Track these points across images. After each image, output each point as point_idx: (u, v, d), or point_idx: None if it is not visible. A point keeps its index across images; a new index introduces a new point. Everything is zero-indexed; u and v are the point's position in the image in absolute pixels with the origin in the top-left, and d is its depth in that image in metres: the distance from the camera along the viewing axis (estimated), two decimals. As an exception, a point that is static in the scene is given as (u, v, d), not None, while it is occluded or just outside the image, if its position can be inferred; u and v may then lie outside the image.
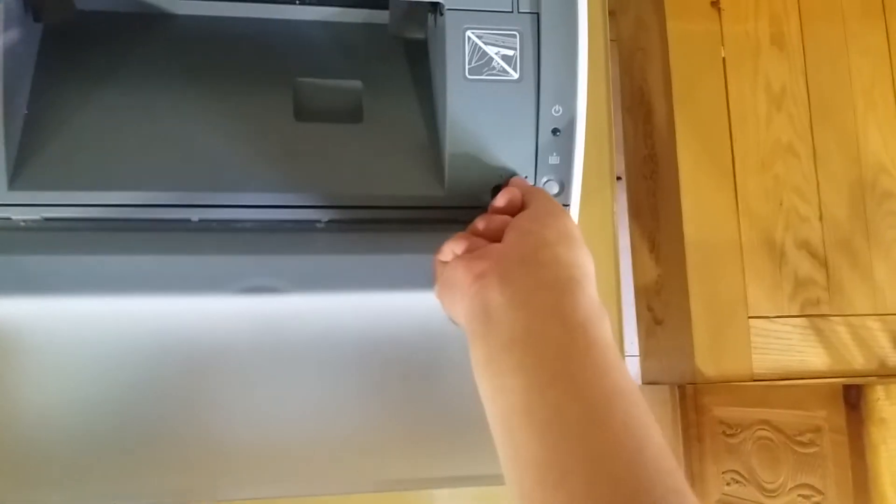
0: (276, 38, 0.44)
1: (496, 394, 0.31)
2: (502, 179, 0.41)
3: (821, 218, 1.13)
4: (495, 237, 0.36)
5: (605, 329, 0.32)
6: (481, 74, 0.40)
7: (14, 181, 0.37)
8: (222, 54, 0.43)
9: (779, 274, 1.09)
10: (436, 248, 0.38)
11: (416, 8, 0.43)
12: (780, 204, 1.12)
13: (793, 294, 1.09)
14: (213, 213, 0.39)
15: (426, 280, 0.40)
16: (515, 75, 0.41)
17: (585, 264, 0.34)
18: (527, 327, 0.31)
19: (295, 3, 0.44)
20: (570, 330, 0.31)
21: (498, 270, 0.33)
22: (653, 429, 0.28)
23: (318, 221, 0.41)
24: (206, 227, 0.40)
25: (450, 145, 0.40)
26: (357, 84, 0.43)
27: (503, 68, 0.41)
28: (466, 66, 0.40)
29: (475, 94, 0.40)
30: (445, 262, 0.37)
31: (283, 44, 0.44)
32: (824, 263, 1.12)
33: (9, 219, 0.37)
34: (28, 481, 0.41)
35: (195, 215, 0.39)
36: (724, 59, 1.16)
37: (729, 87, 1.15)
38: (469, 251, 0.36)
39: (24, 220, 0.38)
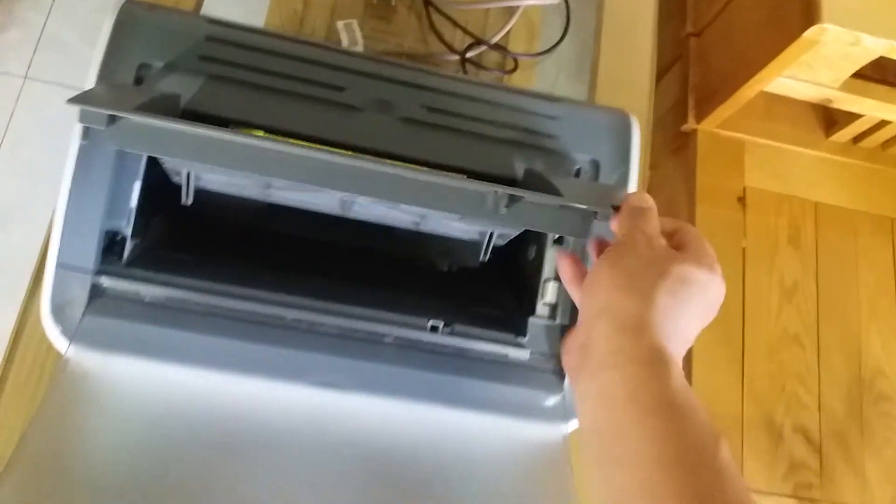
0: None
1: None
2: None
3: (819, 407, 1.21)
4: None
5: None
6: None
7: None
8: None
9: (775, 453, 1.16)
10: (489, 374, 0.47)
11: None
12: (783, 389, 1.21)
13: (786, 475, 1.16)
14: (303, 315, 0.48)
15: (473, 403, 0.49)
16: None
17: None
18: None
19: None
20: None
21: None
22: None
23: (387, 336, 0.50)
24: (295, 325, 0.48)
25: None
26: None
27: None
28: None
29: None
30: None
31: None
32: (819, 450, 1.18)
33: (137, 293, 0.47)
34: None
35: (289, 314, 0.48)
36: (744, 249, 1.28)
37: (746, 276, 1.26)
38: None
39: (149, 297, 0.47)
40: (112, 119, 0.38)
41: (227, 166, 0.40)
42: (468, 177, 0.46)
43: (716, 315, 0.39)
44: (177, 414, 0.45)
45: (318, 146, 0.42)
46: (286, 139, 0.45)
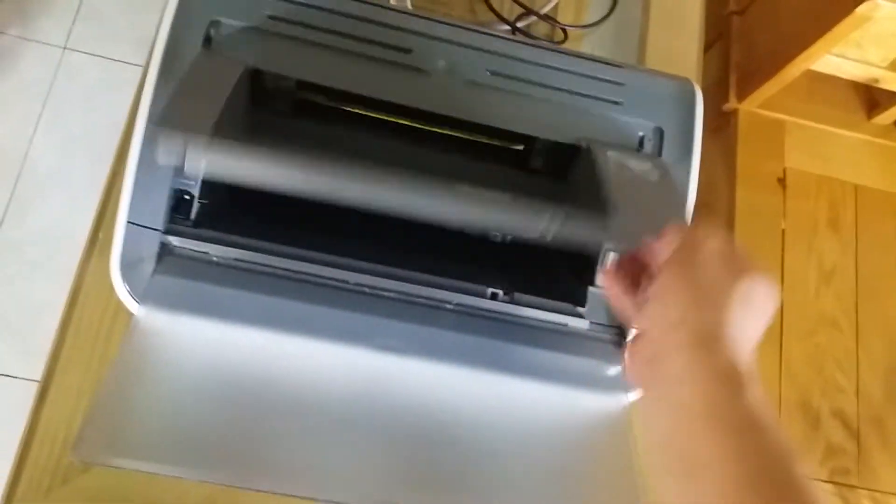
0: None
1: None
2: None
3: (857, 392, 1.20)
4: None
5: None
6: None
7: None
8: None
9: (812, 437, 1.16)
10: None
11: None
12: (820, 372, 1.20)
13: (823, 460, 1.15)
14: (366, 279, 0.49)
15: (534, 371, 0.49)
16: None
17: None
18: None
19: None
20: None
21: None
22: None
23: (448, 302, 0.50)
24: (358, 289, 0.49)
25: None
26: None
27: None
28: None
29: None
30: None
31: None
32: (856, 436, 1.18)
33: (206, 252, 0.47)
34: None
35: (353, 278, 0.48)
36: (783, 231, 1.27)
37: (785, 258, 1.25)
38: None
39: (217, 257, 0.47)
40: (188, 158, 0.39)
41: (290, 188, 0.41)
42: (532, 143, 0.46)
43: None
44: (242, 374, 0.46)
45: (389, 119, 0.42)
46: (355, 110, 0.45)
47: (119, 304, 0.57)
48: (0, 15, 1.43)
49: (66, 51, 1.44)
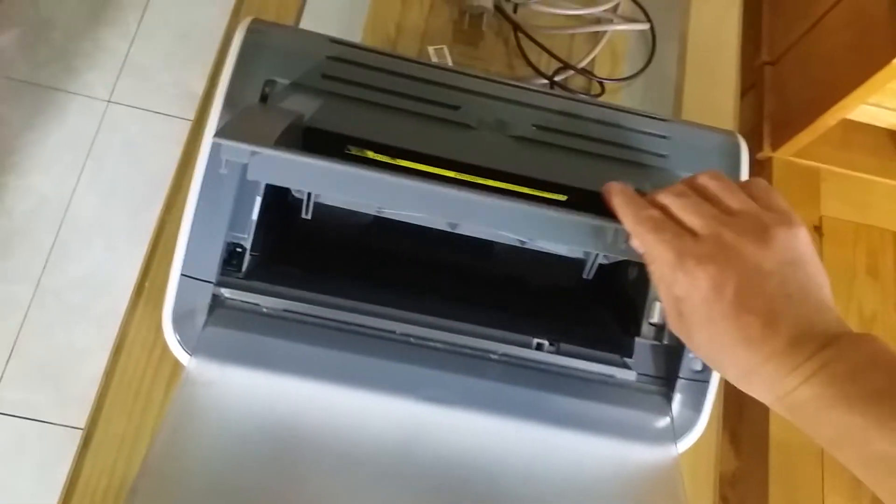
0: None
1: None
2: None
3: (904, 445, 1.17)
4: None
5: None
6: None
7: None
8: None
9: (858, 489, 1.12)
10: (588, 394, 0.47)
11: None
12: (867, 424, 1.16)
13: (874, 501, 1.11)
14: (412, 329, 0.49)
15: (582, 423, 0.48)
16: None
17: None
18: None
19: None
20: None
21: None
22: None
23: (494, 352, 0.50)
24: (404, 339, 0.49)
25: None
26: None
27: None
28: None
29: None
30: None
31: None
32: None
33: (256, 304, 0.48)
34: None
35: (399, 328, 0.49)
36: (822, 279, 1.25)
37: (825, 306, 1.23)
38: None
39: (266, 308, 0.48)
40: (252, 153, 0.40)
41: (352, 195, 0.42)
42: (578, 195, 0.46)
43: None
44: (290, 426, 0.46)
45: (438, 173, 0.43)
46: (405, 164, 0.46)
47: (163, 354, 0.58)
48: (50, 71, 1.49)
49: (111, 104, 1.49)
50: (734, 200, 0.38)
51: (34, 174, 1.42)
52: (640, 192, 0.42)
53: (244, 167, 0.44)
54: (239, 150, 0.39)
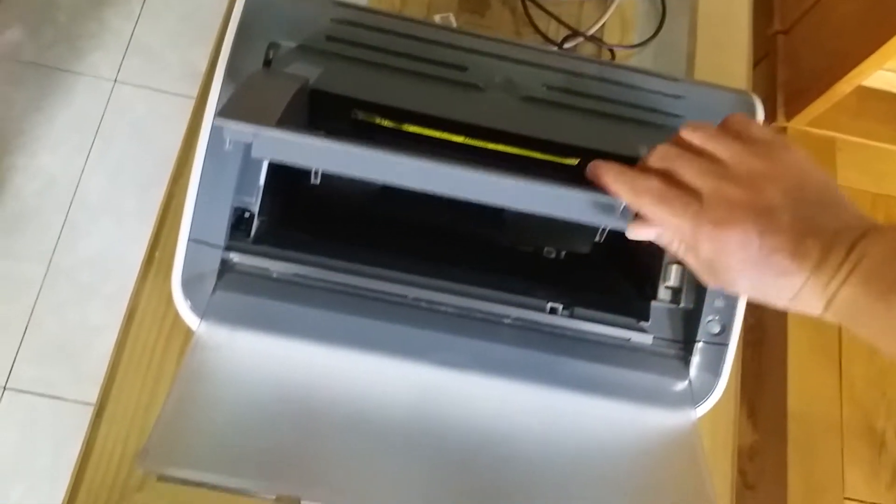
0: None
1: None
2: None
3: (923, 415, 1.16)
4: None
5: None
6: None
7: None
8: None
9: (877, 461, 1.11)
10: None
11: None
12: (884, 394, 1.15)
13: (891, 484, 1.10)
14: (424, 294, 0.48)
15: (598, 387, 0.48)
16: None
17: None
18: None
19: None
20: None
21: None
22: None
23: (506, 316, 0.49)
24: (416, 304, 0.49)
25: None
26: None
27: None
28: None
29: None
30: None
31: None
32: (924, 459, 1.13)
33: (265, 268, 0.48)
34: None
35: (411, 293, 0.48)
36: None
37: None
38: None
39: (276, 273, 0.48)
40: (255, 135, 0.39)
41: (355, 172, 0.41)
42: (591, 158, 0.45)
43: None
44: (300, 388, 0.46)
45: (446, 138, 0.41)
46: (412, 129, 0.45)
47: (174, 324, 0.58)
48: (55, 52, 1.49)
49: (117, 84, 1.49)
50: (721, 148, 0.39)
51: (42, 155, 1.42)
52: (625, 161, 0.42)
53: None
54: (242, 131, 0.38)
